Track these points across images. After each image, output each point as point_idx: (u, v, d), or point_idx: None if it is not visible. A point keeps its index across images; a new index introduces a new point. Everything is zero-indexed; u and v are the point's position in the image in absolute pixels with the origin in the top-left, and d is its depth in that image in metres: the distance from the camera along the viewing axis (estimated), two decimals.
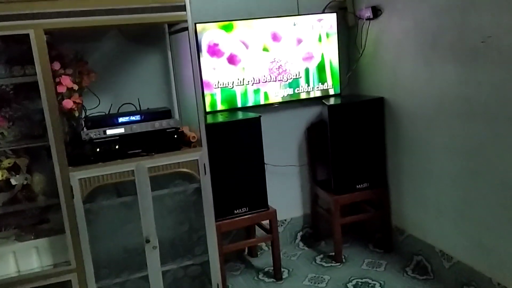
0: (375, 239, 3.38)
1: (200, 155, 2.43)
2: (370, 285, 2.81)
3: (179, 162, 2.40)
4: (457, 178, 2.50)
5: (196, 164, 2.42)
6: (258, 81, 3.11)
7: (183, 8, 2.30)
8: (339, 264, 3.11)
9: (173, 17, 2.31)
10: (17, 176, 2.28)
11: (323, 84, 3.27)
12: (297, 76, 3.20)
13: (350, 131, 3.04)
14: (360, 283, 2.84)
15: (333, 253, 3.18)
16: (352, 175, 3.09)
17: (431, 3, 2.49)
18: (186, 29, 2.37)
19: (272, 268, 3.02)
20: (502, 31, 2.06)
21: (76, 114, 2.51)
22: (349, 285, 2.83)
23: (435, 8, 2.47)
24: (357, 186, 3.10)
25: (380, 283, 2.81)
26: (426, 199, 2.80)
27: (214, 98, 3.02)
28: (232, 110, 3.08)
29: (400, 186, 3.04)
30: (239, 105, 3.09)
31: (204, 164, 2.44)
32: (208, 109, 3.03)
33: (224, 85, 3.04)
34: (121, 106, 2.70)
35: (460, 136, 2.43)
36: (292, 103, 3.26)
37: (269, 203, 2.97)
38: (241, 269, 3.18)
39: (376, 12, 2.97)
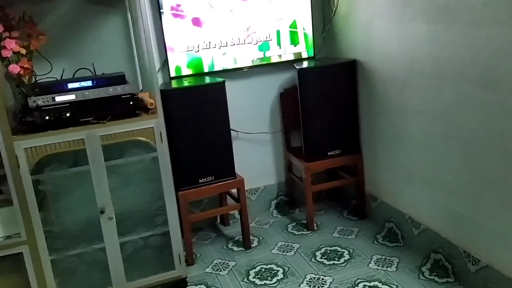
0: (350, 206, 3.32)
1: (156, 122, 2.31)
2: (338, 253, 2.76)
3: (133, 130, 2.28)
4: (427, 143, 2.40)
5: (152, 132, 2.31)
6: (225, 44, 2.95)
7: None
8: (310, 232, 3.06)
9: None
10: None
11: (296, 46, 3.12)
12: (268, 39, 3.04)
13: (321, 96, 2.91)
14: (329, 251, 2.78)
15: (306, 221, 3.12)
16: (324, 141, 2.98)
17: None
18: None
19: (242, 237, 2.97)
20: None
21: (26, 80, 2.38)
22: (318, 253, 2.78)
23: None
24: (328, 153, 3.00)
25: (349, 251, 2.76)
26: (398, 165, 2.71)
27: (179, 62, 2.87)
28: (200, 75, 2.94)
29: (374, 152, 2.95)
30: (206, 69, 2.95)
31: (161, 132, 2.32)
32: (173, 74, 2.89)
33: (189, 49, 2.89)
34: (76, 71, 2.56)
35: (430, 99, 2.31)
36: (263, 67, 3.12)
37: (240, 172, 2.88)
38: (212, 237, 3.12)
39: None
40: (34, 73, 2.45)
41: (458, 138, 2.17)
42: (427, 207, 2.49)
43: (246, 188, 3.07)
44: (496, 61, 1.87)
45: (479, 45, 1.93)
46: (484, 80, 1.94)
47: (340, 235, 2.97)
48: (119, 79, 2.37)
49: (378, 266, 2.58)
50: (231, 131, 2.86)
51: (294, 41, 3.10)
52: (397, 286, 2.38)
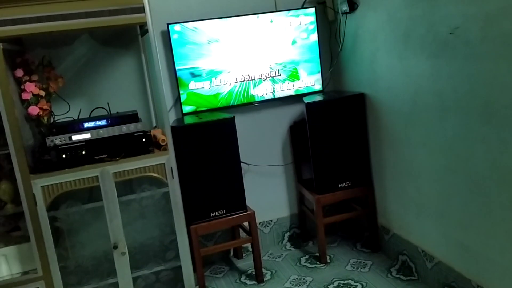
0: (363, 238, 3.29)
1: (167, 158, 2.39)
2: (351, 286, 2.73)
3: (145, 167, 2.36)
4: (434, 176, 2.40)
5: (163, 168, 2.38)
6: (236, 80, 3.04)
7: (142, 10, 2.25)
8: (323, 265, 3.04)
9: (133, 19, 2.27)
10: None
11: (305, 81, 3.19)
12: (277, 74, 3.13)
13: (330, 129, 2.95)
14: (342, 285, 2.76)
15: (318, 254, 3.11)
16: (334, 173, 3.00)
17: None
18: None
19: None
20: (468, 22, 1.96)
21: (45, 120, 2.50)
22: (331, 286, 2.76)
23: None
24: (339, 185, 3.01)
25: (362, 285, 2.73)
26: (407, 197, 2.70)
27: (191, 99, 2.97)
28: (212, 110, 3.03)
29: (384, 184, 2.95)
30: (219, 105, 3.04)
31: (172, 168, 2.39)
32: (186, 110, 2.99)
33: (201, 86, 2.99)
34: (92, 110, 2.68)
35: (434, 132, 2.33)
36: (274, 101, 3.19)
37: (252, 204, 2.92)
38: (225, 271, 3.13)
39: (353, 5, 2.87)
40: (52, 114, 2.57)
41: (464, 171, 2.17)
42: (439, 240, 2.46)
43: (258, 220, 3.11)
44: (495, 94, 1.89)
45: (479, 79, 1.97)
46: (485, 113, 1.96)
47: (354, 268, 2.95)
48: (132, 118, 2.47)
49: None
50: (242, 164, 2.91)
51: (303, 75, 3.18)
52: None
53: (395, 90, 2.61)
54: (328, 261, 3.07)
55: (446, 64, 2.15)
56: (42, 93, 2.45)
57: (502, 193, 1.96)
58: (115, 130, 2.41)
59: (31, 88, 2.38)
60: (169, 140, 2.40)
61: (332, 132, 2.96)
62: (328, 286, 2.76)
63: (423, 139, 2.43)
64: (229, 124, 2.76)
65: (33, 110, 2.40)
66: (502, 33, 1.81)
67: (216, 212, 2.78)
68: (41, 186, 2.21)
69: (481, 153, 2.04)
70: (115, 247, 2.33)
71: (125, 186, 2.40)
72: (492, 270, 2.11)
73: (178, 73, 2.91)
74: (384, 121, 2.80)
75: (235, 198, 2.82)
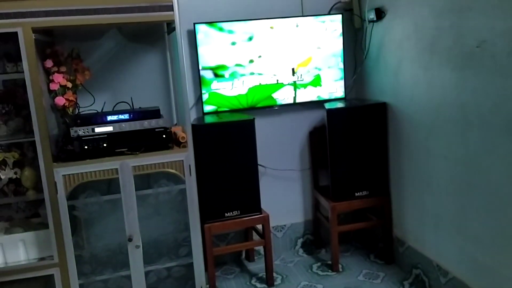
0: (377, 249, 3.26)
1: (186, 156, 2.41)
2: None
3: (164, 162, 2.39)
4: (454, 189, 2.37)
5: (182, 165, 2.41)
6: (258, 83, 3.06)
7: (171, 8, 2.29)
8: (335, 273, 3.02)
9: (161, 17, 2.31)
10: (4, 170, 2.34)
11: (328, 87, 3.19)
12: (300, 79, 3.13)
13: (350, 137, 2.94)
14: None
15: (331, 262, 3.09)
16: (351, 182, 2.99)
17: (431, 4, 2.37)
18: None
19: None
20: (496, 36, 1.93)
21: (70, 111, 2.56)
22: None
23: (435, 10, 2.35)
24: (356, 194, 2.99)
25: None
26: (425, 210, 2.67)
27: (212, 99, 3.00)
28: (232, 111, 3.05)
29: (401, 195, 2.92)
30: (239, 106, 3.06)
31: (190, 165, 2.42)
32: (207, 110, 3.02)
33: (223, 87, 3.01)
34: (116, 104, 2.73)
35: (456, 145, 2.30)
36: (295, 106, 3.20)
37: (267, 207, 2.92)
38: (235, 272, 3.14)
39: (380, 14, 2.86)
40: (78, 105, 2.63)
41: (484, 186, 2.13)
42: (454, 255, 2.42)
43: (272, 224, 3.10)
44: None
45: (503, 94, 1.93)
46: (508, 129, 1.93)
47: (366, 278, 2.92)
48: (154, 113, 2.51)
49: None
50: (259, 167, 2.92)
51: (326, 81, 3.17)
52: None
53: (418, 101, 2.59)
54: (340, 270, 3.05)
55: (471, 77, 2.12)
56: (69, 85, 2.51)
57: None
58: (137, 125, 2.45)
59: (59, 79, 2.45)
60: (189, 137, 2.43)
61: (352, 140, 2.94)
62: None
63: (444, 151, 2.40)
64: (249, 126, 2.77)
65: (60, 100, 2.46)
66: None
67: (231, 213, 2.79)
68: (62, 175, 2.26)
69: (501, 168, 2.00)
70: (130, 239, 2.36)
71: (143, 181, 2.44)
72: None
73: (201, 73, 2.94)
74: (405, 132, 2.77)
75: (250, 200, 2.83)
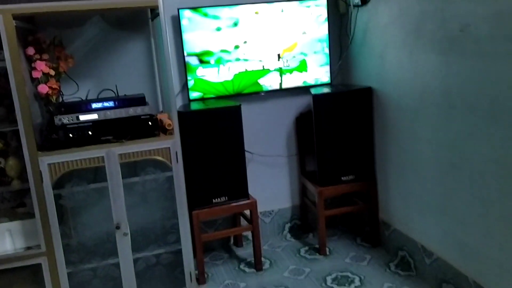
0: (364, 232, 3.31)
1: (172, 143, 2.41)
2: (349, 279, 2.75)
3: (150, 150, 2.38)
4: (438, 172, 2.41)
5: (168, 152, 2.40)
6: (244, 69, 3.05)
7: None
8: (322, 257, 3.06)
9: (145, 2, 2.29)
10: None
11: (314, 72, 3.19)
12: (285, 64, 3.13)
13: (335, 122, 2.96)
14: (339, 277, 2.78)
15: (318, 246, 3.13)
16: (338, 167, 3.01)
17: None
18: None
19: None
20: (479, 20, 1.95)
21: (54, 99, 2.52)
22: (328, 278, 2.78)
23: None
24: (342, 178, 3.03)
25: (360, 278, 2.75)
26: (410, 193, 2.71)
27: (198, 86, 2.98)
28: (219, 98, 3.04)
29: (387, 179, 2.96)
30: (225, 93, 3.05)
31: (176, 152, 2.41)
32: (193, 96, 3.00)
33: (209, 73, 2.99)
34: (100, 92, 2.70)
35: (441, 129, 2.33)
36: (281, 92, 3.20)
37: (254, 194, 2.94)
38: (224, 258, 3.17)
39: None
40: (61, 93, 2.59)
41: (468, 168, 2.17)
42: (439, 236, 2.48)
43: (260, 210, 3.13)
44: (502, 93, 1.89)
45: (486, 77, 1.96)
46: (491, 112, 1.96)
47: (352, 261, 2.97)
48: (140, 101, 2.49)
49: None
50: (246, 153, 2.93)
51: (311, 67, 3.18)
52: None
53: (403, 86, 2.61)
54: (327, 253, 3.10)
55: (455, 61, 2.15)
56: (52, 72, 2.47)
57: (503, 192, 1.97)
58: (122, 112, 2.43)
59: (41, 66, 2.41)
60: (175, 124, 2.42)
61: (338, 125, 2.96)
62: (326, 278, 2.79)
63: (429, 135, 2.44)
64: (235, 112, 2.77)
65: (43, 88, 2.43)
66: None
67: (218, 199, 2.80)
68: (47, 164, 2.24)
69: (485, 151, 2.04)
70: (118, 227, 2.36)
71: (130, 169, 2.43)
72: (490, 267, 2.12)
73: (186, 59, 2.92)
74: (390, 116, 2.80)
75: (237, 186, 2.84)
